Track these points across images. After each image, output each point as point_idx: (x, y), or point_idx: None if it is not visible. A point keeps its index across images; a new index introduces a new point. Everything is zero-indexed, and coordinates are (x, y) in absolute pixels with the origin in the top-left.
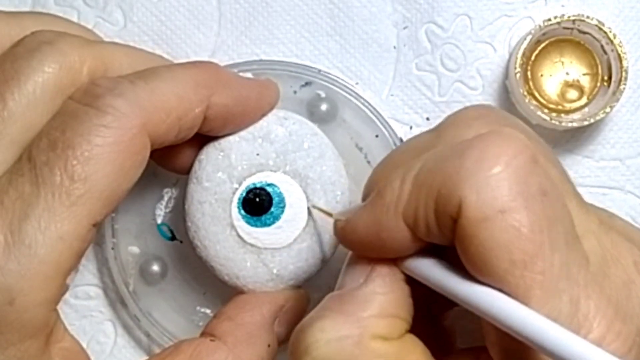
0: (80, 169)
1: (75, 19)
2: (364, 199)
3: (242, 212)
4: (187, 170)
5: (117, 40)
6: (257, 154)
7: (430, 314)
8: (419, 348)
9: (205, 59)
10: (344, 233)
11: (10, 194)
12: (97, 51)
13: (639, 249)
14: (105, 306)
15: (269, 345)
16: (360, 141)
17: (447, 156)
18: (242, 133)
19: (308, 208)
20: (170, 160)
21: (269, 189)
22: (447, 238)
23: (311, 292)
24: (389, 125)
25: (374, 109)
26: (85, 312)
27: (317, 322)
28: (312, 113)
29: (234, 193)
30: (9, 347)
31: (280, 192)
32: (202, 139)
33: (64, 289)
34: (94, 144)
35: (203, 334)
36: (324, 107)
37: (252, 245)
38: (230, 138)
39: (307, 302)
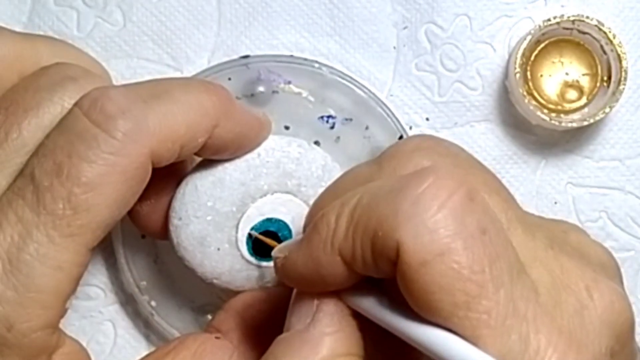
0: (83, 200)
1: (75, 19)
2: (304, 231)
3: (253, 254)
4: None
5: (117, 39)
6: (253, 176)
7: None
8: None
9: (205, 59)
10: (283, 270)
11: (9, 217)
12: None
13: (593, 267)
14: (105, 306)
15: None
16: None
17: (384, 194)
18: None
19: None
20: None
21: (278, 233)
22: (386, 274)
23: None
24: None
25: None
26: (85, 313)
27: None
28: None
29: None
30: None
31: (288, 226)
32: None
33: (63, 313)
34: (99, 174)
35: (209, 328)
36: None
37: (256, 265)
38: (225, 164)
39: None
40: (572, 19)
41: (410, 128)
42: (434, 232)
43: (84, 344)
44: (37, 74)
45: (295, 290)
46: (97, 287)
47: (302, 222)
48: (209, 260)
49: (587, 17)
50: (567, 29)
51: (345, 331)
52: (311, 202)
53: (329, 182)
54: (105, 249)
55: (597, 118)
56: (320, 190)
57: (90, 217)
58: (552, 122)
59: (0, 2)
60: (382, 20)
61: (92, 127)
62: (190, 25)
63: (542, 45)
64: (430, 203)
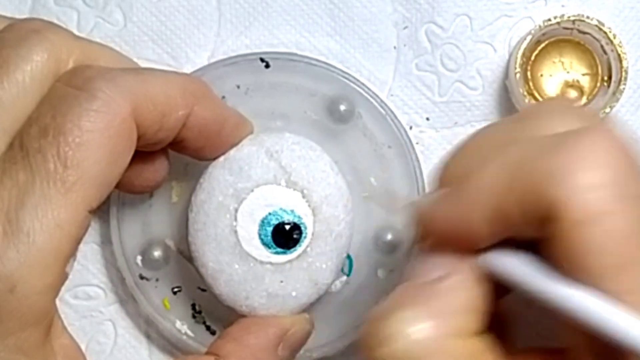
0: (72, 155)
1: (75, 19)
2: (441, 187)
3: (273, 245)
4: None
5: (117, 39)
6: (260, 168)
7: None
8: (497, 346)
9: (205, 59)
10: (425, 221)
11: (5, 182)
12: (85, 46)
13: None
14: (105, 306)
15: None
16: (378, 142)
17: (540, 151)
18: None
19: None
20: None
21: (297, 221)
22: (531, 235)
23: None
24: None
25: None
26: (85, 313)
27: (399, 313)
28: (332, 112)
29: (236, 209)
30: (9, 336)
31: (302, 219)
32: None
33: (63, 277)
34: (84, 130)
35: (207, 353)
36: (343, 107)
37: (261, 263)
38: (233, 154)
39: (311, 327)
40: (572, 19)
41: (411, 128)
42: (595, 192)
43: (84, 344)
44: (0, 32)
45: (424, 243)
46: (97, 286)
47: (302, 212)
48: (209, 247)
49: (588, 17)
50: (567, 28)
51: (478, 290)
52: (309, 196)
53: (327, 178)
54: (105, 248)
55: None
56: (317, 185)
57: (81, 172)
58: None
59: (0, 2)
60: (382, 20)
61: (73, 90)
62: (191, 25)
63: (543, 45)
64: (591, 163)
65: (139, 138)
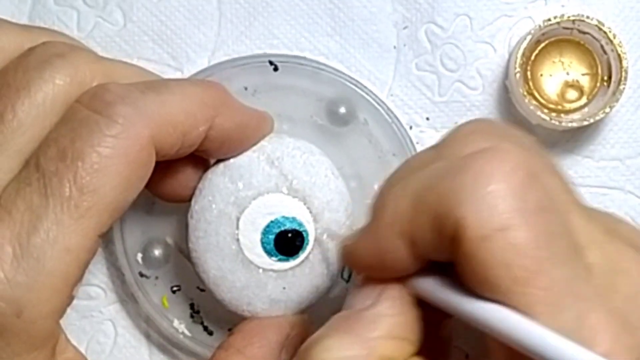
0: (89, 181)
1: (75, 19)
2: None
3: (276, 252)
4: (187, 199)
5: (117, 39)
6: (261, 175)
7: (428, 320)
8: None
9: (205, 59)
10: (349, 258)
11: (18, 204)
12: (108, 68)
13: None
14: (105, 306)
15: None
16: (379, 144)
17: (444, 174)
18: (246, 156)
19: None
20: (169, 189)
21: (299, 229)
22: (447, 256)
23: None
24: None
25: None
26: (85, 312)
27: (324, 341)
28: (335, 116)
29: (238, 218)
30: (16, 359)
31: (304, 227)
32: (198, 166)
33: (70, 300)
34: (103, 156)
35: None
36: (344, 109)
37: (264, 270)
38: (233, 161)
39: (312, 328)
40: (572, 18)
41: (411, 128)
42: (495, 208)
43: (85, 344)
44: (24, 55)
45: (360, 276)
46: (98, 286)
47: (304, 219)
48: (211, 254)
49: (588, 17)
50: (567, 28)
51: (406, 316)
52: (310, 203)
53: (328, 183)
54: (106, 248)
55: (598, 118)
56: (319, 192)
57: (96, 199)
58: (552, 121)
59: (0, 2)
60: (382, 20)
61: (93, 114)
62: (191, 25)
63: (543, 45)
64: (491, 179)
65: (160, 156)
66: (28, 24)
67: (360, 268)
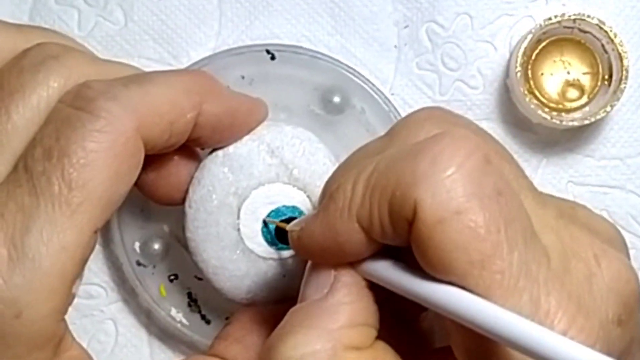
0: (77, 177)
1: (76, 18)
2: (319, 205)
3: (276, 241)
4: (181, 202)
5: (117, 39)
6: (261, 165)
7: (404, 317)
8: (389, 354)
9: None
10: (299, 243)
11: (10, 206)
12: (102, 69)
13: (601, 240)
14: (106, 305)
15: None
16: (377, 133)
17: (400, 158)
18: (245, 145)
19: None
20: (162, 192)
21: (299, 217)
22: (403, 239)
23: None
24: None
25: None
26: (86, 311)
27: (288, 339)
28: (332, 104)
29: (239, 207)
30: None
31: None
32: (191, 168)
33: (70, 298)
34: (89, 150)
35: (212, 355)
36: (337, 98)
37: (264, 259)
38: (233, 151)
39: None
40: (573, 17)
41: None
42: (451, 191)
43: (86, 343)
44: (18, 57)
45: (309, 264)
46: (99, 285)
47: (304, 207)
48: (210, 244)
49: (588, 16)
50: (568, 27)
51: (363, 301)
52: (310, 191)
53: (327, 171)
54: (106, 247)
55: (598, 117)
56: (319, 180)
57: (86, 194)
58: (553, 120)
59: (1, 1)
60: (383, 19)
61: (76, 111)
62: (192, 24)
63: (543, 44)
64: (447, 163)
65: (150, 147)
66: (22, 24)
67: (312, 254)
